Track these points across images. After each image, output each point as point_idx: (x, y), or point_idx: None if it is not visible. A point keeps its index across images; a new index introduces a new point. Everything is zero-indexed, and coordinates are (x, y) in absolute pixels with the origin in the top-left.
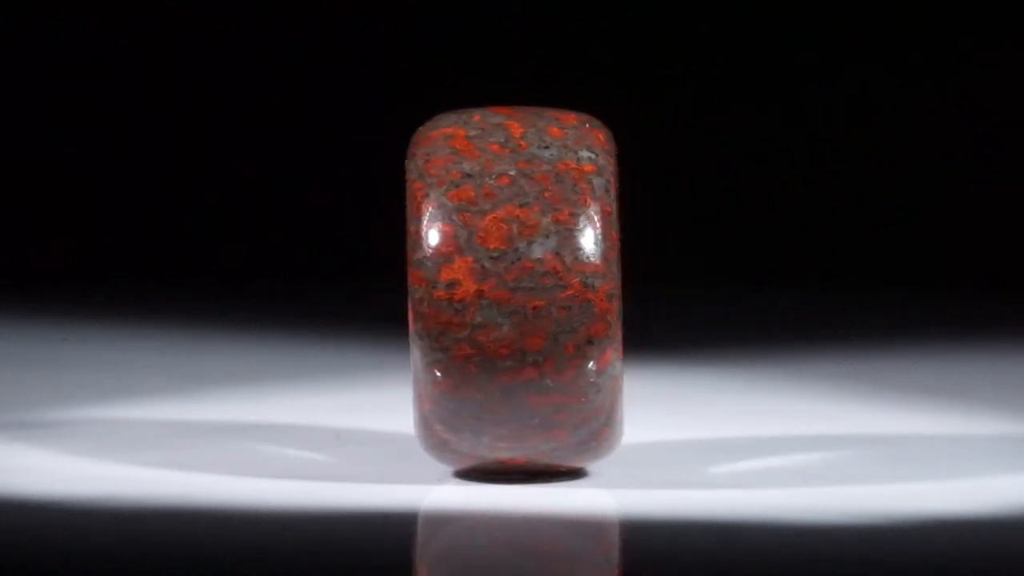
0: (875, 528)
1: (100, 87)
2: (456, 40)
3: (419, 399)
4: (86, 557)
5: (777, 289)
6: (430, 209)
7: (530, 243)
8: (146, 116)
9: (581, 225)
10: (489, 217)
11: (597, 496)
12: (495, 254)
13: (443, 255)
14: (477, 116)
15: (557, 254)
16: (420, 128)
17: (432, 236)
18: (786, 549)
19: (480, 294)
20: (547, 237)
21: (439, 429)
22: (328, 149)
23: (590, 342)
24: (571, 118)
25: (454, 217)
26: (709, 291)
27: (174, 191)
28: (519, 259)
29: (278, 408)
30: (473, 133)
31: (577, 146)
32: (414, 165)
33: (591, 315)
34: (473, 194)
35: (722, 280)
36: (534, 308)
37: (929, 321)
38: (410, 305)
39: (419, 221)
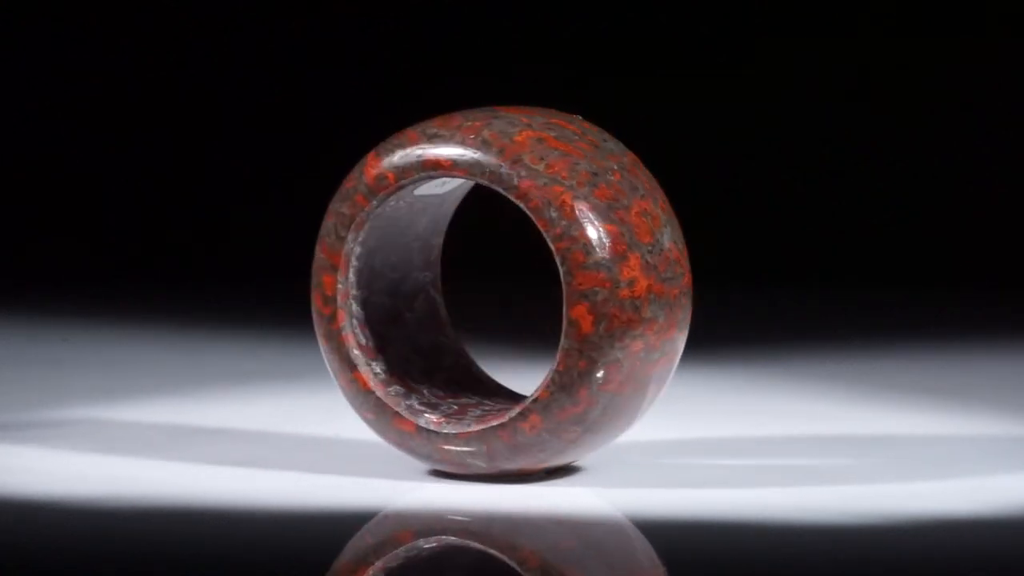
0: (875, 528)
1: (100, 87)
2: (444, 41)
3: (571, 402)
4: (86, 557)
5: (777, 289)
6: (586, 210)
7: (662, 234)
8: (146, 116)
9: (672, 212)
10: (633, 212)
11: (599, 496)
12: (650, 248)
13: (619, 254)
14: (525, 118)
15: (675, 243)
16: (445, 136)
17: (604, 237)
18: (786, 549)
19: (650, 288)
20: (666, 227)
21: (574, 430)
22: (328, 149)
23: (688, 326)
24: (563, 114)
25: (612, 216)
26: (708, 291)
27: (174, 191)
28: (661, 250)
29: (277, 408)
30: (554, 133)
31: (611, 138)
32: (526, 170)
33: (691, 298)
34: (611, 192)
35: (722, 280)
36: (674, 297)
37: (929, 321)
38: (585, 309)
39: (578, 224)
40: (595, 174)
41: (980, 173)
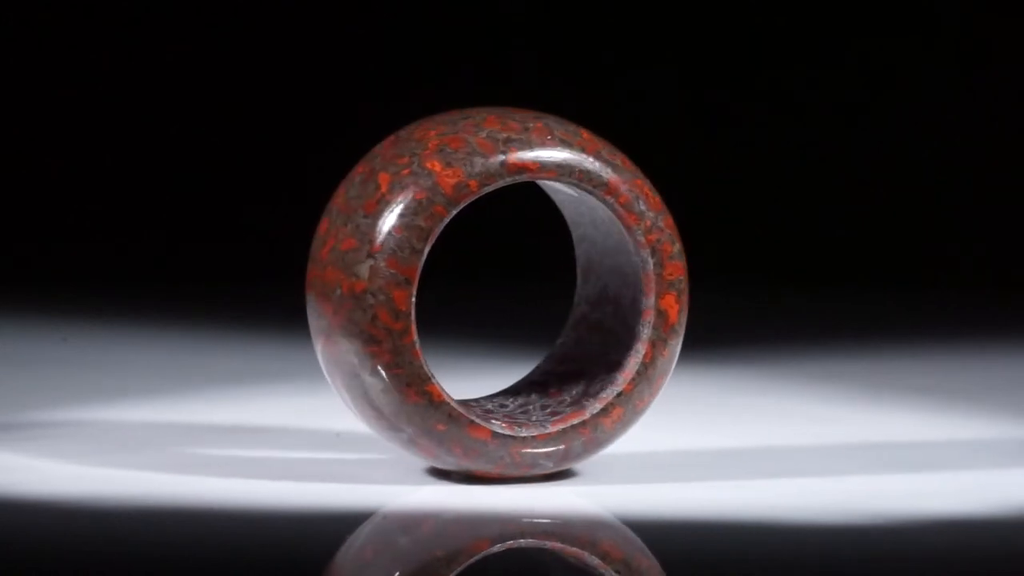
0: (875, 528)
1: (100, 87)
2: (435, 41)
3: (649, 392)
4: (86, 557)
5: (778, 289)
6: (660, 201)
7: None
8: (147, 116)
9: None
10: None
11: (600, 498)
12: None
13: (681, 242)
14: (559, 118)
15: None
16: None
17: (673, 226)
18: (786, 549)
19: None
20: None
21: (638, 420)
22: (327, 150)
23: None
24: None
25: (667, 206)
26: (707, 292)
27: (174, 191)
28: None
29: (277, 409)
30: (590, 130)
31: None
32: (610, 166)
33: None
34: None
35: (721, 280)
36: None
37: (929, 321)
38: (673, 298)
39: (662, 215)
40: (638, 166)
41: (980, 173)
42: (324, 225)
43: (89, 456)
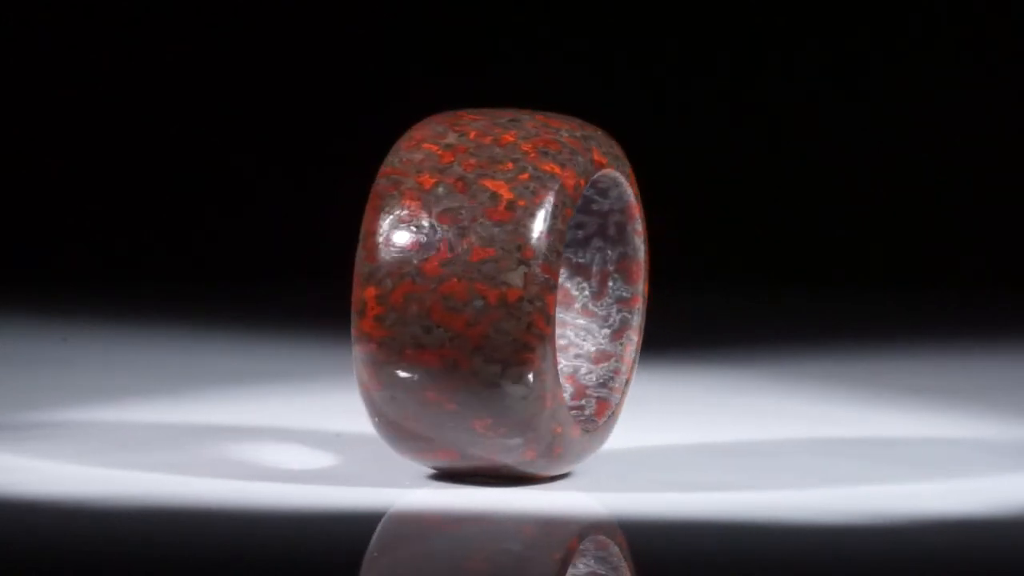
0: (875, 528)
1: (100, 87)
2: (439, 41)
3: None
4: (85, 557)
5: (778, 289)
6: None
7: None
8: (146, 117)
9: None
10: None
11: (600, 499)
12: None
13: None
14: (577, 122)
15: None
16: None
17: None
18: (785, 549)
19: None
20: None
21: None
22: (327, 150)
23: None
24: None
25: None
26: (706, 291)
27: (173, 192)
28: None
29: (277, 409)
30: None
31: None
32: (627, 159)
33: None
34: None
35: (721, 280)
36: None
37: (929, 321)
38: (647, 284)
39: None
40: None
41: (980, 173)
42: (412, 241)
43: (89, 456)
